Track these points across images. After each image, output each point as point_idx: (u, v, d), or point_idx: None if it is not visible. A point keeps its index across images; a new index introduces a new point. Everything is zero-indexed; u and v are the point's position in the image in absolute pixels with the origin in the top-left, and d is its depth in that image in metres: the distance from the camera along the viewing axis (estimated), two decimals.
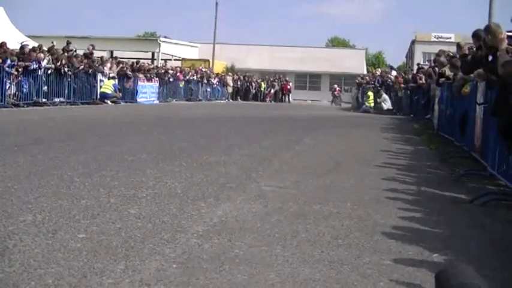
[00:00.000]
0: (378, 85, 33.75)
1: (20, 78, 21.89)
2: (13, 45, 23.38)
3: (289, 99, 54.36)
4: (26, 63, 21.89)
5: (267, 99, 49.30)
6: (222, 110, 22.83)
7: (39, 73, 22.99)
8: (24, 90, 22.09)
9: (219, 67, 54.10)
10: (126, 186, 6.45)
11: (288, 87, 55.38)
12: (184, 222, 5.07)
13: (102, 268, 3.79)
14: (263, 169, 8.44)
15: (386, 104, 31.45)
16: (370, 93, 33.01)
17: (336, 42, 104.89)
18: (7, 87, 21.11)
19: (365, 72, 58.65)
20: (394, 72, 35.33)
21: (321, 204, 6.04)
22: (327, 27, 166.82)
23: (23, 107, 21.46)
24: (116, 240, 4.42)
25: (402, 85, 30.56)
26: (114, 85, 28.26)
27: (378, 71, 40.20)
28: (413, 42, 65.84)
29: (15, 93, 21.89)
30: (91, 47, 29.77)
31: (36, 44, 26.09)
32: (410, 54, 68.84)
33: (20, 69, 21.71)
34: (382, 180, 7.86)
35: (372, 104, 32.35)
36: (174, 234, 4.66)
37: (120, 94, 29.00)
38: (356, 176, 8.18)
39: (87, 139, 11.46)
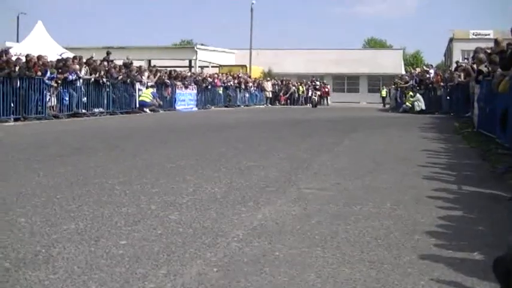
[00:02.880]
0: (415, 84, 33.41)
1: (59, 89, 22.22)
2: (52, 57, 23.74)
3: (327, 102, 54.22)
4: (65, 75, 22.21)
5: (282, 102, 48.79)
6: (260, 114, 22.90)
7: (78, 84, 23.31)
8: (64, 101, 22.41)
9: (256, 72, 54.22)
10: (166, 193, 6.51)
11: (326, 90, 55.26)
12: (224, 226, 5.10)
13: (144, 273, 3.83)
14: (302, 172, 8.44)
15: (420, 105, 31.02)
16: (409, 93, 32.64)
17: (373, 43, 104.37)
18: (47, 99, 21.46)
19: (403, 72, 58.19)
20: (432, 71, 34.88)
21: (361, 205, 6.02)
22: (362, 28, 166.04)
23: (64, 118, 21.77)
24: (157, 245, 4.46)
25: (441, 84, 30.25)
26: (152, 93, 28.50)
27: (416, 71, 39.74)
28: (451, 40, 65.16)
29: (55, 105, 22.24)
30: (129, 59, 30.07)
31: (75, 56, 26.43)
32: (448, 53, 68.17)
33: (59, 81, 22.03)
34: (422, 180, 7.80)
35: (409, 104, 31.97)
36: (214, 239, 4.69)
37: (161, 102, 29.24)
38: (395, 176, 8.14)
39: (126, 148, 11.59)
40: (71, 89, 22.91)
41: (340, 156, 10.64)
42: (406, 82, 36.08)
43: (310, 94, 52.29)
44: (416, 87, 32.95)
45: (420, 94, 31.66)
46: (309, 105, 48.18)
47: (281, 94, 49.78)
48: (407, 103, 32.22)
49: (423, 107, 30.80)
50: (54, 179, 7.46)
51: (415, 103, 31.16)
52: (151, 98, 28.26)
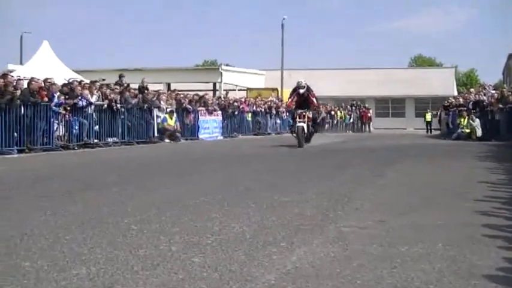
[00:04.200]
0: (470, 108, 33.10)
1: (68, 117, 22.41)
2: (60, 81, 23.99)
3: (369, 128, 54.14)
4: (74, 101, 22.42)
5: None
6: (292, 143, 22.94)
7: (90, 111, 23.52)
8: (74, 130, 22.58)
9: (288, 95, 54.34)
10: (188, 233, 6.52)
11: (368, 114, 55.19)
12: (254, 270, 5.10)
13: None
14: (341, 208, 8.41)
15: (478, 131, 30.79)
16: (464, 118, 32.35)
17: (421, 61, 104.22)
18: (55, 128, 21.64)
19: (455, 93, 57.96)
20: (493, 90, 34.40)
21: (408, 246, 5.99)
22: (408, 45, 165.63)
23: (73, 149, 21.97)
24: None
25: (500, 106, 29.86)
26: (176, 120, 28.71)
27: (472, 92, 39.34)
28: (510, 57, 64.79)
29: (64, 134, 22.41)
30: (144, 82, 30.32)
31: (85, 80, 26.73)
32: (507, 71, 67.82)
33: (68, 108, 22.25)
34: (478, 216, 7.74)
35: (467, 130, 31.67)
36: (243, 284, 4.69)
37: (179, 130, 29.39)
38: (448, 212, 8.09)
39: (144, 182, 11.65)
40: (81, 116, 23.14)
41: (384, 190, 10.61)
42: (459, 105, 35.74)
43: (351, 119, 52.23)
44: (471, 110, 32.63)
45: (476, 118, 31.45)
46: (349, 132, 48.14)
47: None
48: (464, 128, 31.89)
49: (479, 134, 30.60)
50: (63, 218, 7.51)
51: (476, 128, 30.91)
52: (174, 124, 28.47)
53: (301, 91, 23.83)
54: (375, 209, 8.37)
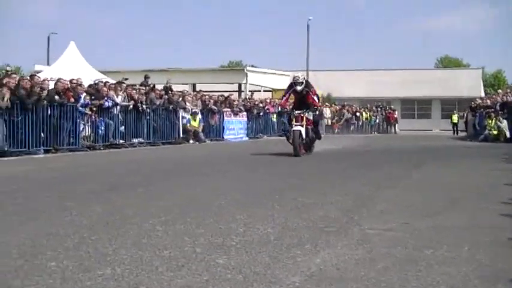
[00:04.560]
0: (498, 109, 32.87)
1: (94, 118, 22.54)
2: (86, 81, 24.13)
3: (395, 129, 53.93)
4: (100, 102, 22.54)
5: (336, 130, 48.42)
6: (316, 144, 22.80)
7: (115, 112, 23.64)
8: (100, 131, 22.71)
9: None
10: (213, 234, 6.53)
11: (394, 116, 54.99)
12: (278, 272, 5.09)
13: None
14: (366, 210, 8.39)
15: (507, 132, 30.56)
16: (491, 119, 32.10)
17: (447, 62, 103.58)
18: (81, 128, 21.77)
19: (482, 94, 57.56)
20: None
21: (433, 249, 5.95)
22: (433, 45, 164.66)
23: (99, 149, 22.08)
24: None
25: None
26: (200, 120, 28.76)
27: (499, 93, 39.03)
28: None
29: (90, 135, 22.55)
30: (169, 83, 30.41)
31: (111, 80, 26.87)
32: None
33: (94, 109, 22.38)
34: (505, 219, 7.68)
35: (494, 131, 31.43)
36: (267, 286, 4.69)
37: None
38: (474, 214, 8.04)
39: (169, 183, 11.69)
40: (107, 117, 23.26)
41: (409, 192, 10.57)
42: (487, 106, 35.48)
43: (377, 121, 52.08)
44: (499, 111, 32.39)
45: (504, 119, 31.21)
46: (375, 133, 48.02)
47: (334, 121, 49.64)
48: (491, 130, 31.64)
49: (508, 135, 30.39)
50: (88, 218, 7.56)
51: (504, 130, 30.67)
52: (198, 126, 28.52)
53: (299, 88, 19.57)
54: (399, 211, 8.34)
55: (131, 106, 24.68)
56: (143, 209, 8.29)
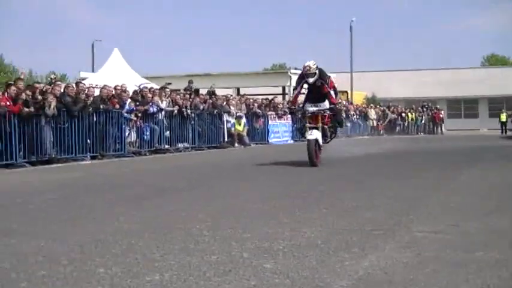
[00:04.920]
0: None
1: (139, 123, 22.72)
2: (131, 87, 24.34)
3: (441, 129, 53.48)
4: (145, 107, 22.72)
5: (381, 131, 48.03)
6: (363, 146, 22.74)
7: (160, 117, 23.80)
8: (145, 137, 22.88)
9: (358, 98, 54.05)
10: (260, 238, 6.54)
11: (440, 116, 54.53)
12: (326, 276, 5.08)
13: None
14: (414, 212, 8.33)
15: None
16: None
17: (494, 60, 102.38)
18: (126, 134, 21.96)
19: None
20: None
21: (484, 251, 5.89)
22: (480, 43, 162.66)
23: (145, 155, 22.25)
24: None
25: None
26: (244, 123, 28.83)
27: None
28: None
29: (135, 141, 22.73)
30: (213, 87, 30.55)
31: (155, 86, 27.08)
32: None
33: (139, 114, 22.55)
34: None
35: None
36: None
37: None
38: None
39: (215, 187, 11.72)
40: (152, 122, 23.43)
41: (458, 194, 10.46)
42: None
43: (423, 121, 51.68)
44: None
45: None
46: (421, 134, 47.69)
47: (379, 123, 49.34)
48: None
49: None
50: (136, 224, 7.62)
51: None
52: (243, 130, 28.57)
53: (311, 80, 15.91)
54: (448, 213, 8.27)
55: (176, 111, 24.82)
56: (190, 214, 8.33)
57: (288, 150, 26.54)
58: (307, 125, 16.33)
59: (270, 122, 32.11)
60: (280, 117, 33.35)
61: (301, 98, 17.50)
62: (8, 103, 17.86)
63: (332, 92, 16.27)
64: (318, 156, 16.16)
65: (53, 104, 18.78)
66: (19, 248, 6.30)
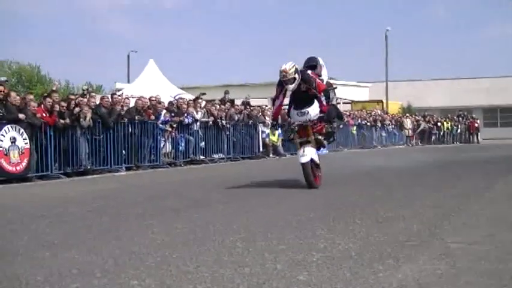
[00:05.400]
0: None
1: (174, 134, 22.83)
2: (166, 99, 24.47)
3: (477, 138, 53.05)
4: (180, 118, 22.83)
5: (413, 141, 47.56)
6: (397, 156, 22.63)
7: (195, 128, 23.89)
8: (180, 147, 22.97)
9: (393, 108, 53.80)
10: (293, 250, 6.54)
11: (476, 125, 54.10)
12: (359, 287, 5.09)
13: None
14: (448, 223, 8.29)
15: None
16: None
17: None
18: (161, 145, 22.08)
19: None
20: None
21: None
22: None
23: (180, 165, 22.33)
24: None
25: None
26: (279, 134, 28.83)
27: None
28: None
29: (170, 152, 22.84)
30: (248, 98, 30.60)
31: (190, 96, 27.21)
32: None
33: (174, 125, 22.66)
34: None
35: None
36: None
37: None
38: None
39: (249, 198, 11.74)
40: (187, 133, 23.52)
41: (494, 203, 10.40)
42: None
43: (459, 130, 51.32)
44: None
45: None
46: (457, 143, 47.35)
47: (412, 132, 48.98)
48: None
49: None
50: (170, 236, 7.66)
51: None
52: (278, 140, 28.57)
53: (291, 87, 13.05)
54: (483, 223, 8.22)
55: (211, 122, 24.91)
56: (224, 225, 8.36)
57: (322, 161, 26.47)
58: (297, 140, 13.41)
59: None
60: None
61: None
62: (44, 115, 18.10)
63: (323, 98, 13.10)
64: (317, 176, 13.48)
65: (88, 115, 18.96)
66: (54, 260, 6.38)
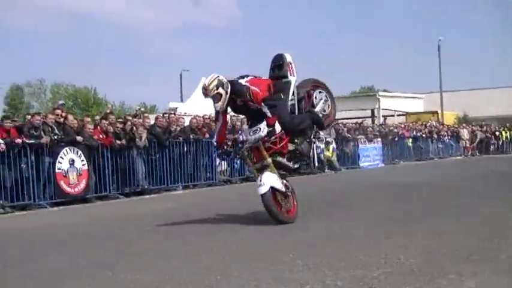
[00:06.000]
0: None
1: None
2: None
3: None
4: (235, 136, 22.90)
5: (470, 152, 46.72)
6: (455, 168, 22.36)
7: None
8: (236, 165, 23.02)
9: (449, 118, 53.24)
10: (354, 266, 6.49)
11: None
12: None
13: None
14: (511, 235, 8.15)
15: None
16: None
17: None
18: (217, 163, 22.16)
19: None
20: None
21: None
22: None
23: (235, 183, 22.38)
24: None
25: None
26: (333, 148, 28.75)
27: None
28: None
29: (226, 169, 22.91)
30: None
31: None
32: None
33: (229, 143, 22.73)
34: None
35: None
36: None
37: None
38: None
39: (307, 214, 11.67)
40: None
41: None
42: None
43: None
44: None
45: None
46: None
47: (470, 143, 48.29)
48: None
49: None
50: (228, 253, 7.67)
51: None
52: (333, 155, 28.51)
53: (218, 105, 10.69)
54: None
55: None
56: (282, 241, 8.35)
57: (378, 174, 26.33)
58: (252, 166, 10.93)
59: (360, 146, 31.89)
60: (370, 140, 33.08)
61: None
62: (100, 136, 18.39)
63: (266, 109, 10.45)
64: (290, 208, 10.71)
65: (144, 135, 19.16)
66: (115, 281, 6.44)
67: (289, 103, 11.08)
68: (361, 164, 31.35)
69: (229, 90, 10.44)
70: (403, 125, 40.78)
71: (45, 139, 16.57)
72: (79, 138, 17.43)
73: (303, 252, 7.42)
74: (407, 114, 52.85)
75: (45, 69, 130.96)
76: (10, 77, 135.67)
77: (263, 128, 10.39)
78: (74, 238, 10.26)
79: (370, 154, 32.91)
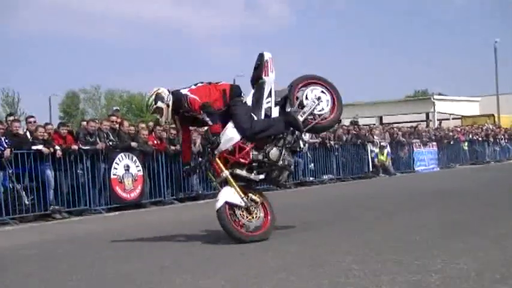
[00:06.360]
0: None
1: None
2: None
3: None
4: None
5: None
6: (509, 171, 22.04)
7: (304, 150, 23.91)
8: None
9: (506, 121, 52.47)
10: (410, 271, 6.43)
11: None
12: None
13: None
14: None
15: None
16: None
17: None
18: None
19: None
20: None
21: None
22: None
23: (289, 188, 22.39)
24: None
25: None
26: (387, 153, 28.60)
27: None
28: None
29: None
30: (356, 117, 30.44)
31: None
32: None
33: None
34: None
35: None
36: None
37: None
38: None
39: (362, 219, 11.62)
40: (296, 155, 23.54)
41: None
42: None
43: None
44: None
45: None
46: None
47: None
48: None
49: None
50: (283, 258, 7.68)
51: None
52: (387, 160, 28.35)
53: (162, 120, 10.21)
54: None
55: (319, 143, 24.89)
56: (338, 247, 8.31)
57: (433, 177, 26.09)
58: (214, 181, 10.18)
59: (415, 150, 31.64)
60: (425, 144, 32.79)
61: None
62: (155, 142, 18.57)
63: (205, 117, 9.80)
64: (259, 224, 9.55)
65: (198, 141, 19.25)
66: (168, 284, 6.50)
67: (265, 106, 10.36)
68: (416, 168, 31.10)
69: (170, 102, 9.72)
70: (459, 129, 40.33)
71: (100, 145, 16.80)
72: (134, 144, 17.61)
73: (359, 258, 7.38)
74: (462, 117, 52.25)
75: (100, 75, 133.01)
76: (66, 84, 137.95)
77: (225, 135, 9.82)
78: (131, 243, 10.34)
79: (425, 158, 32.62)
